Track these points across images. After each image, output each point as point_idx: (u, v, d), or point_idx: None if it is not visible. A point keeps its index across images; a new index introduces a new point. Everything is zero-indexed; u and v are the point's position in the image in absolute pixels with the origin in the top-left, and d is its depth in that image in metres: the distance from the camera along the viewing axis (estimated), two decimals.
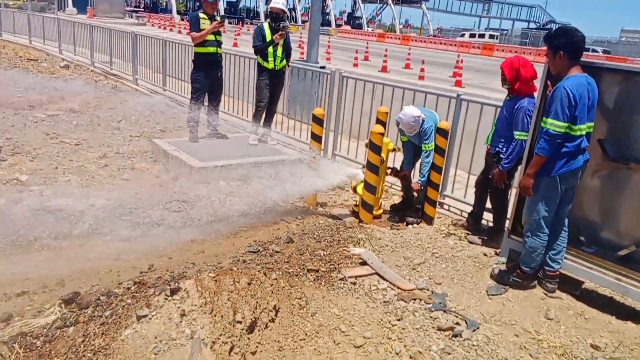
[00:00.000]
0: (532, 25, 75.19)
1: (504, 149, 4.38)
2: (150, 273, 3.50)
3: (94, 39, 14.41)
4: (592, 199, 3.95)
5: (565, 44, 3.50)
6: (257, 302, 3.01)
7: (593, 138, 3.67)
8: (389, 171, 5.24)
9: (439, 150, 4.97)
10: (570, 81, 3.44)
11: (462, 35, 47.32)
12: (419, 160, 5.15)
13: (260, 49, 6.83)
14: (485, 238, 4.68)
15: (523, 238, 3.90)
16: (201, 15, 6.91)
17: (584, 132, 3.50)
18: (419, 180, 5.01)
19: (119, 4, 36.12)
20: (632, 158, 3.64)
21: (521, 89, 4.25)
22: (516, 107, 4.25)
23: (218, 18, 7.09)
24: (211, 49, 6.99)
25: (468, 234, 4.83)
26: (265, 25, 6.89)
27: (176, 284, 2.98)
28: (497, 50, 31.95)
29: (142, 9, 55.45)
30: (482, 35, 45.87)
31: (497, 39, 45.84)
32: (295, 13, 55.43)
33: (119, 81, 12.61)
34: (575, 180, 3.64)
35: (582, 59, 3.56)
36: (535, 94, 4.08)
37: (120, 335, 2.71)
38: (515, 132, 4.24)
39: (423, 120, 4.84)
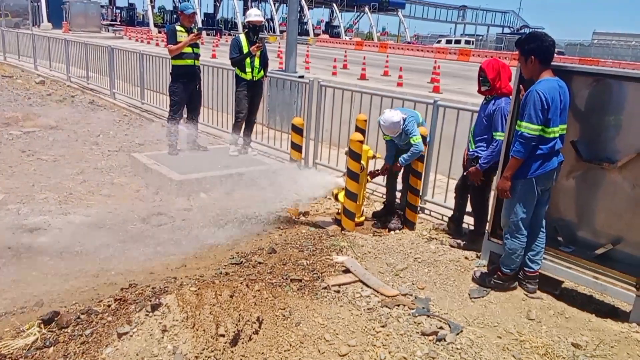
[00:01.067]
0: (506, 30, 76.67)
1: (484, 151, 4.44)
2: (130, 289, 3.45)
3: (69, 54, 14.25)
4: (568, 200, 4.02)
5: (535, 48, 3.59)
6: (240, 315, 2.99)
7: (566, 140, 3.75)
8: (369, 177, 5.26)
9: (418, 157, 5.01)
10: (542, 85, 3.52)
11: (439, 42, 47.88)
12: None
13: (237, 60, 6.85)
14: (466, 242, 4.73)
15: (502, 240, 3.95)
16: (178, 27, 6.90)
17: (557, 135, 3.58)
18: (400, 161, 4.95)
19: (95, 17, 35.74)
20: (604, 158, 3.72)
21: (501, 88, 4.33)
22: (494, 108, 4.32)
23: (195, 30, 7.09)
24: (189, 62, 6.97)
25: (449, 238, 4.87)
26: (242, 37, 6.91)
27: (157, 300, 2.95)
28: (473, 55, 32.41)
29: (119, 23, 54.90)
30: (458, 41, 46.45)
31: (472, 44, 46.53)
32: (273, 23, 55.59)
33: (97, 95, 12.48)
34: (550, 181, 3.72)
35: (552, 63, 3.65)
36: (511, 97, 4.16)
37: (101, 353, 2.67)
38: (495, 134, 4.30)
39: (404, 121, 4.86)
